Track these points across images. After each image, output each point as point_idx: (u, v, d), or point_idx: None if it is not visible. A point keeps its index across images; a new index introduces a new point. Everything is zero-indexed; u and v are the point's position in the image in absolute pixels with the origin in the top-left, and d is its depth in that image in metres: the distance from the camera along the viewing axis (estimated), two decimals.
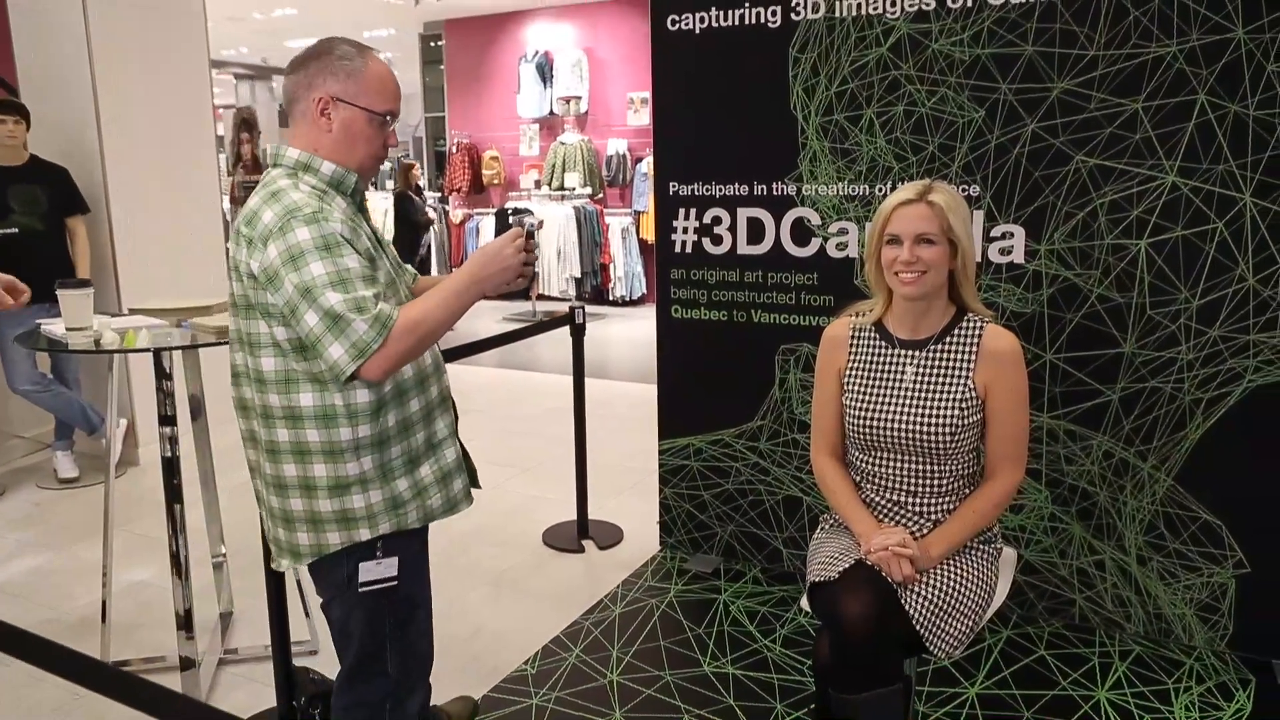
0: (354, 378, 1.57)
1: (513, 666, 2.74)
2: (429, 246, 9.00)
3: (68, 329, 2.18)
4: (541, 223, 2.39)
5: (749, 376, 3.16)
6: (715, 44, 3.01)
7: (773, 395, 3.15)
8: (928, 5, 2.70)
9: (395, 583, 1.75)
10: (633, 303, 9.54)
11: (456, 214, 10.07)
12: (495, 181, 10.34)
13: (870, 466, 2.05)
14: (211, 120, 5.17)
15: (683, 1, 3.04)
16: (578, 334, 3.55)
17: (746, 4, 2.94)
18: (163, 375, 2.53)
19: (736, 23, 2.97)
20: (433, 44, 11.17)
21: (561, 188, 9.48)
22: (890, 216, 1.96)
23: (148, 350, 2.40)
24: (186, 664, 2.60)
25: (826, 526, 2.17)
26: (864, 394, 2.03)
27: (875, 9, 2.76)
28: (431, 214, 8.68)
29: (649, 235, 9.41)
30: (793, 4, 2.87)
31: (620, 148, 9.62)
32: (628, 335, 8.14)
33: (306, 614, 2.88)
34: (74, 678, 1.38)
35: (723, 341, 3.18)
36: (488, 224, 9.43)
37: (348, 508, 1.69)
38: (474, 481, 1.96)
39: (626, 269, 9.40)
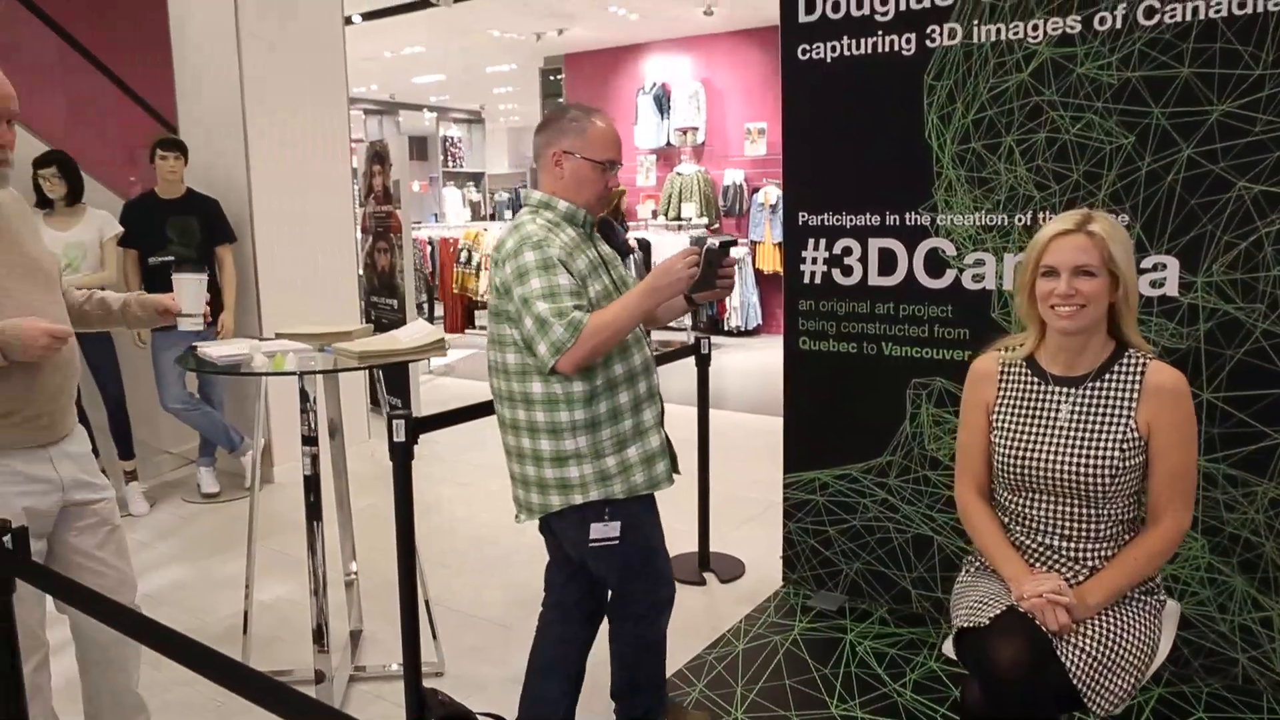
0: (555, 371, 1.98)
1: None
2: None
3: (181, 314, 2.21)
4: (723, 244, 2.42)
5: (879, 411, 3.08)
6: (847, 73, 2.98)
7: (903, 430, 3.06)
8: (1072, 28, 2.60)
9: (617, 542, 2.12)
10: (748, 333, 9.48)
11: None
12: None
13: (1020, 508, 1.95)
14: (348, 154, 5.41)
15: (814, 31, 3.02)
16: (703, 364, 3.54)
17: (880, 32, 2.90)
18: (305, 397, 2.63)
19: (869, 51, 2.93)
20: (552, 78, 11.43)
21: (678, 218, 9.53)
22: (1046, 247, 1.87)
23: (295, 374, 2.49)
24: (320, 678, 2.67)
25: (971, 569, 2.07)
26: (1014, 432, 1.94)
27: (1015, 34, 2.68)
28: (632, 241, 8.84)
29: (765, 265, 9.36)
30: (928, 31, 2.81)
31: (737, 178, 9.62)
32: (744, 365, 8.09)
33: (434, 636, 2.93)
34: (227, 683, 1.43)
35: (852, 374, 3.11)
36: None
37: (565, 476, 2.08)
38: (675, 468, 2.26)
39: (743, 299, 9.35)
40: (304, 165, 5.03)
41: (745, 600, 3.34)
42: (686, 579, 3.55)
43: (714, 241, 2.03)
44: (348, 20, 5.37)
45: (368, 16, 8.78)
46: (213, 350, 2.71)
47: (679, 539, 3.88)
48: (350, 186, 5.46)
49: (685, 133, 9.87)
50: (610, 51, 10.59)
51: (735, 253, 2.12)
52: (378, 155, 6.27)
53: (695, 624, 3.19)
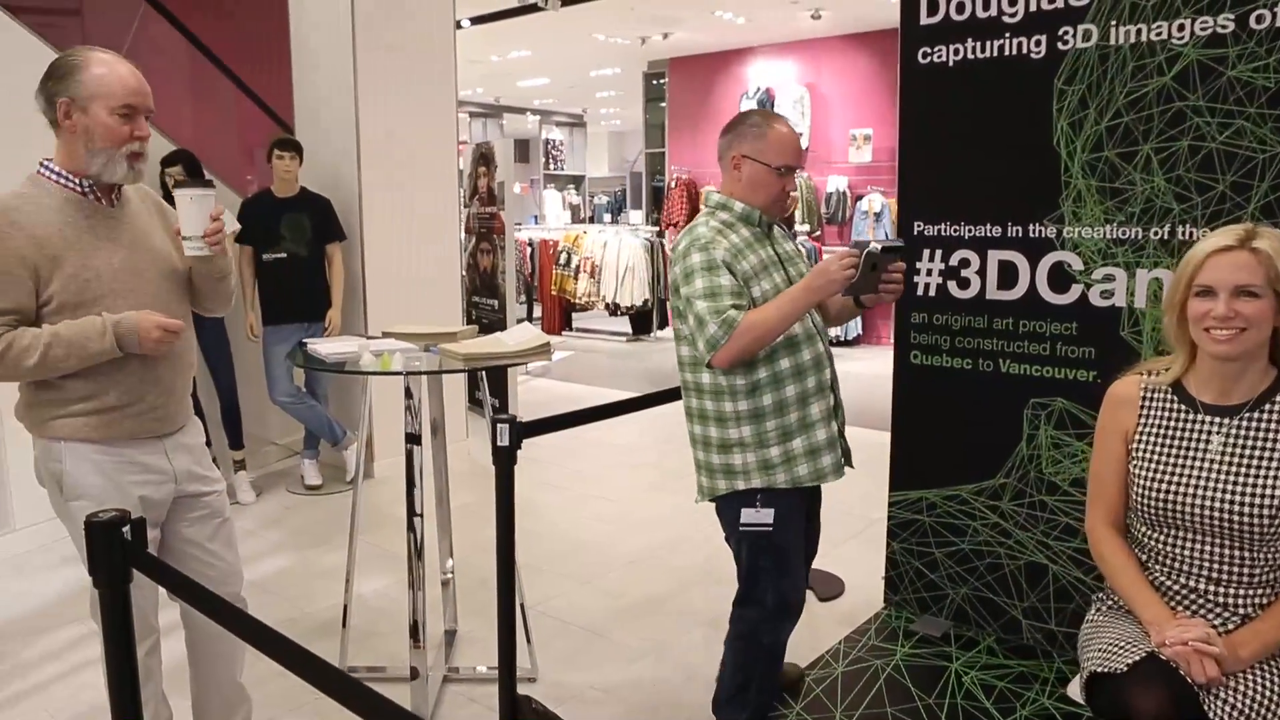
0: (711, 365, 2.12)
1: None
2: None
3: (184, 237, 1.96)
4: (885, 248, 2.37)
5: (993, 430, 2.94)
6: (970, 77, 2.85)
7: (1019, 452, 2.91)
8: (1224, 28, 2.43)
9: (770, 529, 2.20)
10: (848, 343, 9.28)
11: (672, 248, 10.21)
12: None
13: (1162, 545, 1.81)
14: (455, 156, 5.48)
15: (936, 33, 2.90)
16: None
17: (1007, 35, 2.76)
18: (409, 395, 2.64)
19: (995, 54, 2.80)
20: (655, 82, 11.43)
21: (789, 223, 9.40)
22: (1202, 264, 1.72)
23: (401, 374, 2.51)
24: (414, 674, 2.68)
25: (1103, 608, 1.93)
26: (1157, 463, 1.79)
27: (1158, 34, 2.52)
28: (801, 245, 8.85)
29: None
30: (1060, 33, 2.67)
31: (840, 185, 9.44)
32: (844, 377, 7.85)
33: (529, 641, 2.92)
34: (320, 684, 1.42)
35: (965, 391, 2.97)
36: None
37: (730, 462, 2.21)
38: (848, 462, 2.34)
39: None
40: (413, 166, 5.12)
41: (845, 621, 3.23)
42: None
43: (875, 245, 2.08)
44: (457, 25, 5.44)
45: (476, 21, 8.92)
46: (322, 347, 2.75)
47: None
48: (456, 188, 5.53)
49: None
50: (714, 56, 10.53)
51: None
52: (484, 157, 6.34)
53: (793, 643, 3.06)
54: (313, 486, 4.82)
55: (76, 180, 1.95)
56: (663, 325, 10.29)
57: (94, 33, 5.20)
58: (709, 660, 2.99)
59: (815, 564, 3.57)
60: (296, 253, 4.56)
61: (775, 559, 2.26)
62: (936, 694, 2.73)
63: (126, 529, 1.42)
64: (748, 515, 2.22)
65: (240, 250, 4.51)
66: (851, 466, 2.36)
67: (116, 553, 1.42)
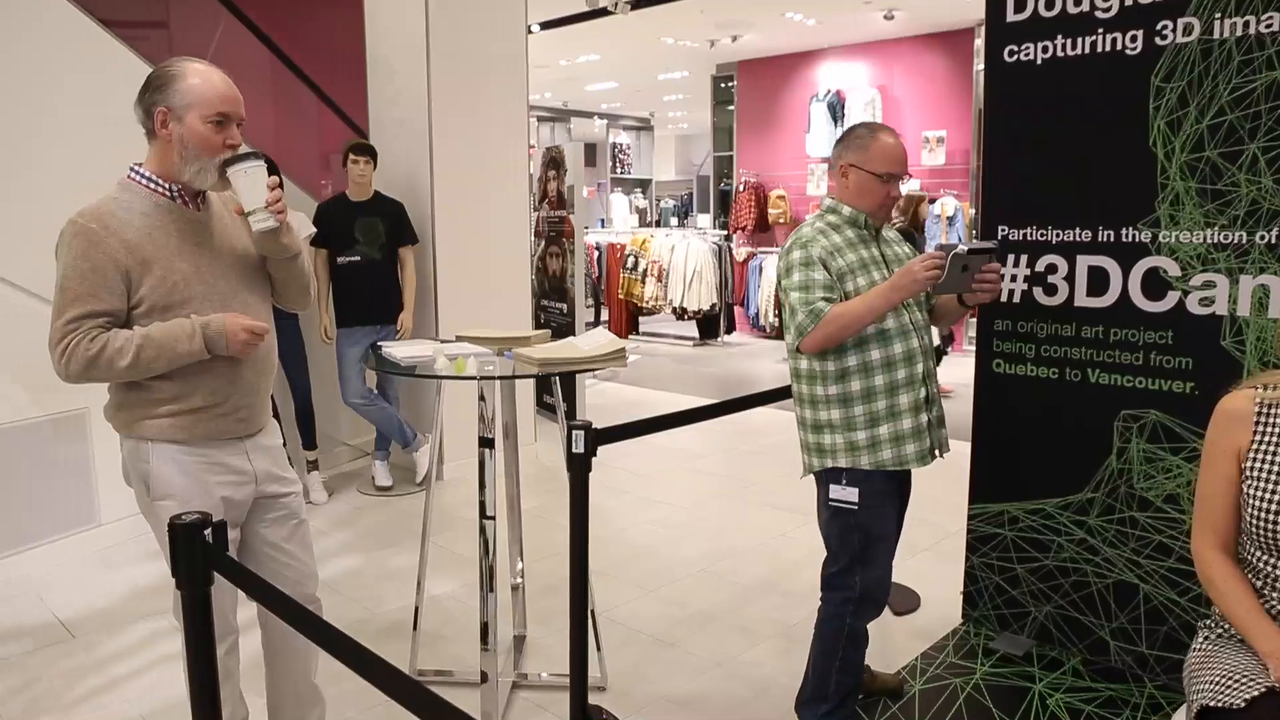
0: (800, 351, 2.31)
1: None
2: None
3: (247, 213, 1.94)
4: (972, 250, 2.35)
5: (1081, 442, 2.82)
6: (1060, 76, 2.75)
7: (1109, 466, 2.79)
8: None
9: (855, 507, 2.33)
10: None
11: (740, 252, 10.13)
12: (781, 220, 10.29)
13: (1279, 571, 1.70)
14: (526, 161, 5.49)
15: (1024, 31, 2.80)
16: None
17: (1101, 30, 2.65)
18: (483, 399, 2.63)
19: (1087, 51, 2.69)
20: (724, 85, 11.37)
21: None
22: None
23: (475, 378, 2.50)
24: (484, 679, 2.67)
25: (1212, 636, 1.82)
26: (1275, 483, 1.68)
27: (1269, 26, 2.39)
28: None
29: None
30: (1158, 27, 2.55)
31: (912, 188, 9.24)
32: None
33: (599, 649, 2.89)
34: (390, 690, 1.41)
35: (1051, 401, 2.86)
36: (771, 262, 9.38)
37: (821, 441, 2.38)
38: (939, 453, 2.46)
39: None
40: (484, 170, 5.15)
41: (921, 636, 3.14)
42: None
43: (962, 247, 2.21)
44: (528, 30, 5.46)
45: (545, 26, 8.97)
46: (397, 350, 2.76)
47: None
48: (527, 192, 5.55)
49: None
50: (784, 58, 10.43)
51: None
52: (553, 161, 6.36)
53: (869, 658, 3.01)
54: (383, 488, 4.87)
55: (166, 185, 1.99)
56: (730, 330, 10.21)
57: (180, 43, 5.35)
58: (779, 675, 2.93)
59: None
60: (370, 256, 4.62)
61: (862, 541, 2.37)
62: (1019, 716, 2.63)
63: (208, 532, 1.42)
64: (835, 490, 2.37)
65: (315, 253, 4.58)
66: (940, 456, 2.47)
67: (198, 555, 1.42)
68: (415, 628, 3.01)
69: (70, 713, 2.75)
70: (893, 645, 3.10)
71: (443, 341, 2.99)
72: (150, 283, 1.91)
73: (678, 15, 8.51)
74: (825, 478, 2.40)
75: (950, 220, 8.82)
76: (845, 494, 2.35)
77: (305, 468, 4.73)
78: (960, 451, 3.17)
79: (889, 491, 2.40)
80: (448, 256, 5.01)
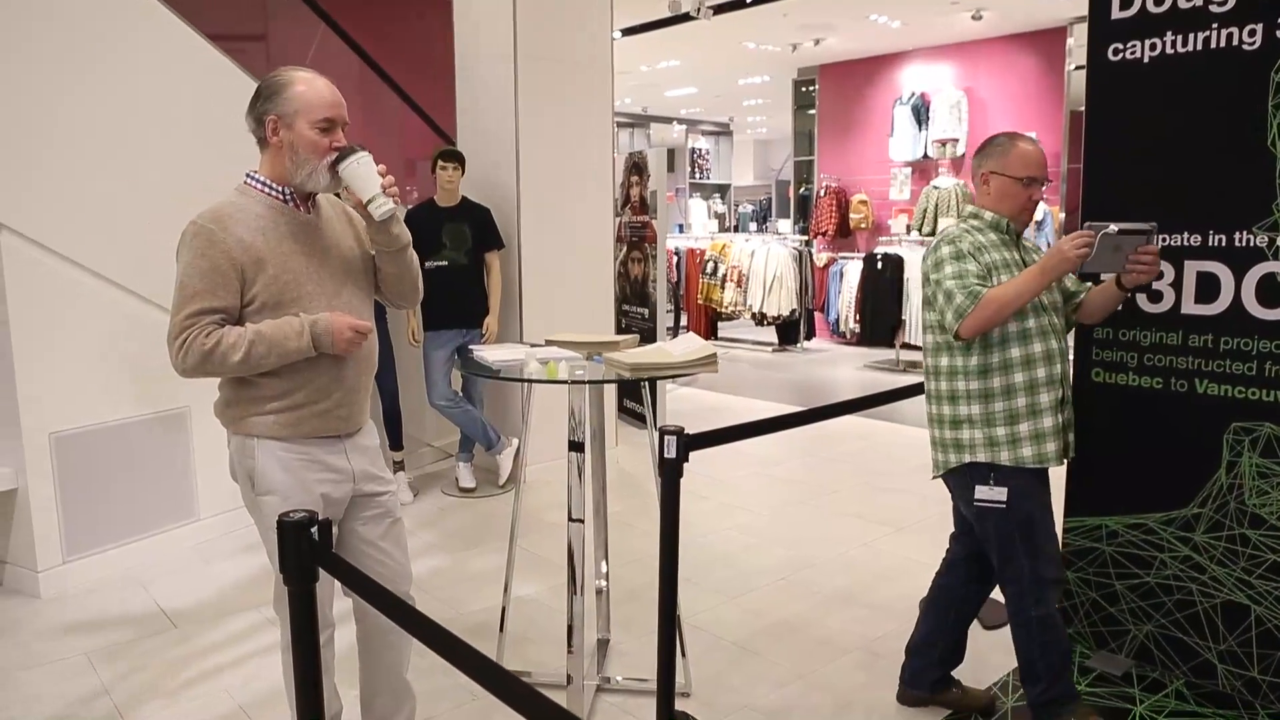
0: (959, 336, 2.35)
1: None
2: None
3: (365, 206, 2.01)
4: (1122, 230, 2.33)
5: (1186, 455, 2.71)
6: (1168, 73, 2.65)
7: (1217, 480, 2.67)
8: None
9: (1004, 506, 2.39)
10: None
11: (820, 257, 10.01)
12: (862, 225, 10.15)
13: None
14: (611, 166, 5.52)
15: (1130, 27, 2.71)
16: None
17: (1215, 25, 2.55)
18: (571, 404, 2.65)
19: (1199, 47, 2.59)
20: (805, 89, 11.27)
21: (933, 233, 9.08)
22: None
23: (566, 382, 2.52)
24: (570, 681, 2.68)
25: None
26: None
27: None
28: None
29: None
30: (1279, 19, 2.44)
31: None
32: None
33: (684, 654, 2.87)
34: (488, 684, 1.43)
35: (1155, 412, 2.76)
36: (852, 268, 9.26)
37: (959, 437, 2.45)
38: (1066, 452, 2.49)
39: None
40: (569, 176, 5.19)
41: (1011, 651, 3.03)
42: None
43: (1114, 227, 2.23)
44: (613, 35, 5.50)
45: (627, 32, 9.02)
46: (488, 354, 2.79)
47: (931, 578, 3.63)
48: (611, 198, 5.58)
49: (944, 144, 9.41)
50: (866, 61, 10.29)
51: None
52: (636, 166, 6.39)
53: (957, 672, 2.94)
54: (466, 489, 4.94)
55: (279, 189, 2.07)
56: (810, 336, 10.11)
57: (278, 54, 5.53)
58: (863, 689, 2.88)
59: None
60: (457, 261, 4.69)
61: (1023, 533, 2.42)
62: None
63: (315, 529, 1.46)
64: (981, 492, 2.42)
65: None
66: (1071, 456, 2.52)
67: (305, 551, 1.46)
68: (502, 629, 3.05)
69: (173, 700, 2.85)
70: (983, 660, 3.02)
71: (532, 345, 3.02)
72: (263, 281, 1.99)
73: (760, 19, 8.47)
74: (964, 475, 2.46)
75: (1039, 225, 8.57)
76: (993, 494, 2.41)
77: (391, 468, 4.83)
78: None
79: (1040, 481, 2.45)
80: (532, 261, 5.07)
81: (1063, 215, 8.69)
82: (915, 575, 3.70)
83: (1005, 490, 2.39)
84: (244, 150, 2.14)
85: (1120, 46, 2.74)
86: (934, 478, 2.55)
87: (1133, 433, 2.83)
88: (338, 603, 2.24)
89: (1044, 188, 2.48)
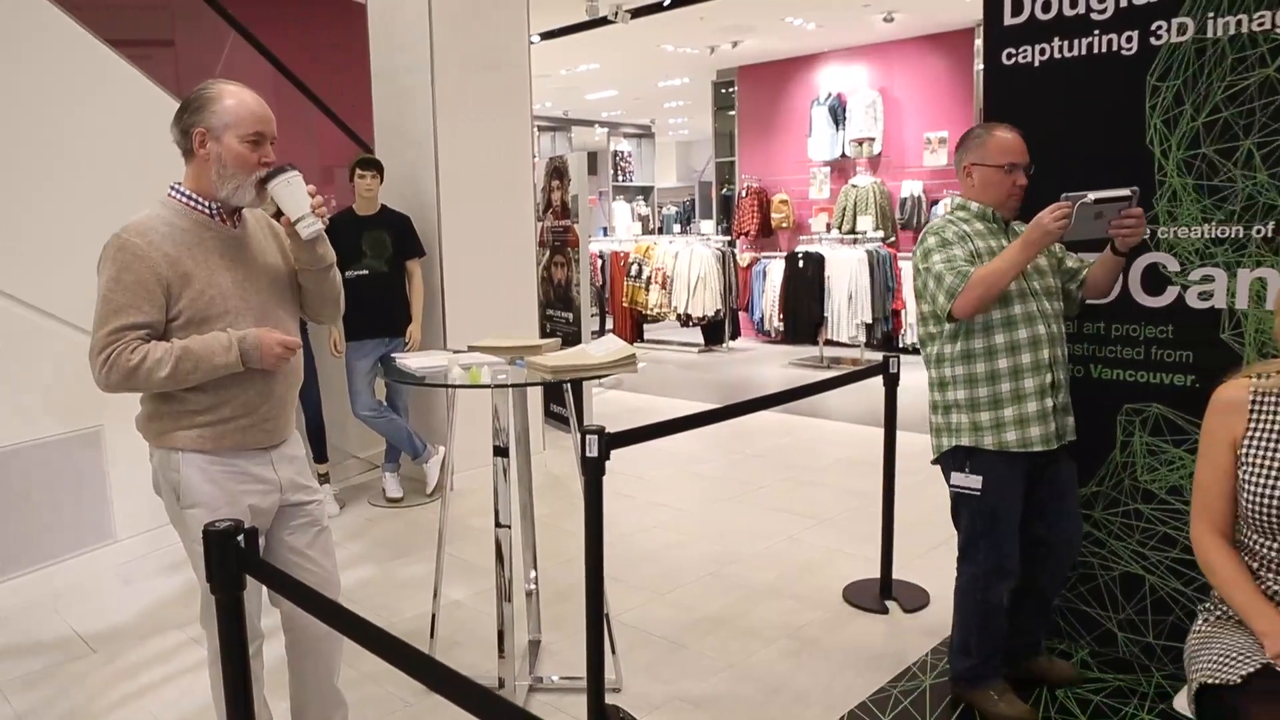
0: (952, 316, 2.41)
1: None
2: None
3: (295, 221, 2.00)
4: (1098, 199, 2.40)
5: (1084, 438, 2.83)
6: (1057, 77, 2.79)
7: (1112, 459, 2.83)
8: None
9: (978, 493, 2.49)
10: (918, 350, 9.11)
11: (744, 257, 10.17)
12: (784, 225, 10.34)
13: (1274, 554, 1.74)
14: (531, 171, 5.55)
15: (1021, 33, 2.85)
16: (891, 383, 3.41)
17: (1096, 32, 2.70)
18: (496, 409, 2.67)
19: (1083, 52, 2.74)
20: (724, 90, 11.43)
21: (853, 231, 9.31)
22: None
23: (489, 386, 2.54)
24: (501, 684, 2.71)
25: (1211, 618, 1.87)
26: (1268, 470, 1.73)
27: (1260, 24, 2.43)
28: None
29: None
30: (1153, 28, 2.60)
31: (915, 189, 9.30)
32: (919, 384, 7.76)
33: (613, 651, 2.92)
34: (428, 680, 1.46)
35: None
36: (775, 267, 9.42)
37: (948, 421, 2.55)
38: (1063, 438, 2.53)
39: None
40: (489, 182, 5.20)
41: (931, 632, 3.18)
42: (867, 607, 3.41)
43: (1091, 195, 2.27)
44: (530, 40, 5.52)
45: (545, 36, 9.04)
46: (411, 361, 2.80)
47: (857, 565, 3.75)
48: (532, 202, 5.61)
49: (861, 143, 9.65)
50: (784, 63, 10.50)
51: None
52: (557, 170, 6.42)
53: (878, 654, 3.06)
54: (394, 499, 4.91)
55: (205, 203, 2.06)
56: (735, 336, 10.25)
57: (186, 61, 5.42)
58: (790, 676, 2.96)
59: (897, 575, 3.55)
60: (378, 269, 4.67)
61: (987, 523, 2.51)
62: (1029, 707, 2.66)
63: (241, 538, 1.47)
64: (956, 478, 2.53)
65: None
66: (1063, 442, 2.55)
67: (231, 560, 1.47)
68: (433, 635, 3.06)
69: None
70: (902, 642, 3.14)
71: (455, 352, 3.04)
72: (189, 296, 1.98)
73: (678, 22, 8.58)
74: (949, 459, 2.55)
75: None
76: (968, 481, 2.50)
77: (317, 481, 4.77)
78: None
79: (1016, 473, 2.50)
80: (454, 268, 5.06)
81: None
82: (837, 565, 3.82)
83: (980, 479, 2.48)
84: (155, 162, 2.12)
85: (1013, 51, 2.88)
86: (932, 462, 2.64)
87: None
88: (266, 617, 2.23)
89: (1028, 173, 2.51)
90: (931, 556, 3.84)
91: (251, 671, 2.04)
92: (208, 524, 1.53)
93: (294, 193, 2.02)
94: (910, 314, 9.00)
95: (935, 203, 9.10)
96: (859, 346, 8.92)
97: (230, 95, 2.02)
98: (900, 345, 9.02)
